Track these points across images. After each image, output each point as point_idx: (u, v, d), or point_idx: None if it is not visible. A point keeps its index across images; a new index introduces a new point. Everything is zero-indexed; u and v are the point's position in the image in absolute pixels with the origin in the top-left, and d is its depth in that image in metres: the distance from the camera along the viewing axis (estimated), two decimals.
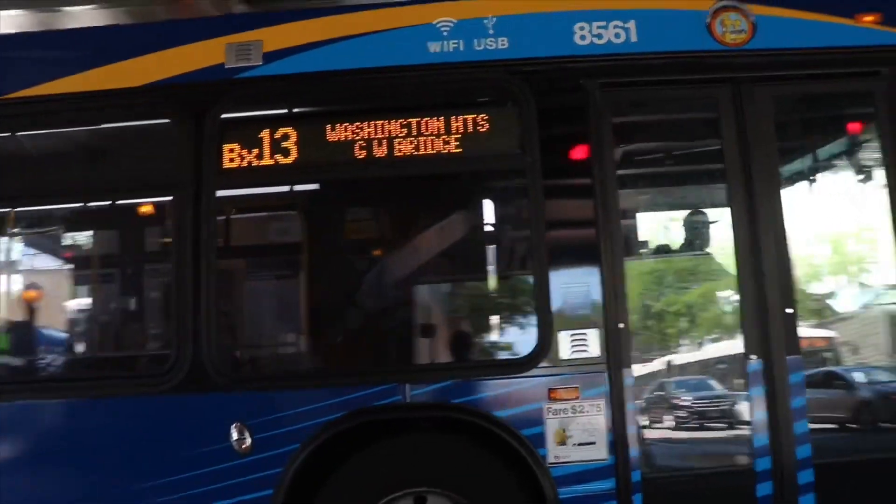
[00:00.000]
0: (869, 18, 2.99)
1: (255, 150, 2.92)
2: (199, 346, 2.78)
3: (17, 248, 3.37)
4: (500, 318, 3.23)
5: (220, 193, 2.91)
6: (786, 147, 3.22)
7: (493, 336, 3.24)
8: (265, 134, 2.92)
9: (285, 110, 3.15)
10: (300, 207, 3.36)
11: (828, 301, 3.60)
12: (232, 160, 2.93)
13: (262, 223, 3.52)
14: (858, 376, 3.24)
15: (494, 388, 2.74)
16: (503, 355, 3.18)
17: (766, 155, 2.90)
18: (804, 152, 3.44)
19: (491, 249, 3.30)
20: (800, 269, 3.04)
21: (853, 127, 3.24)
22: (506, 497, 2.75)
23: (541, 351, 2.75)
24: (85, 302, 3.52)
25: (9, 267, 3.33)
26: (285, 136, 2.91)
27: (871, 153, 3.13)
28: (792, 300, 2.85)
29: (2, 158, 3.23)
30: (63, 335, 3.50)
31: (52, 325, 3.41)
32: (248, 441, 2.74)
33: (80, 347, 3.55)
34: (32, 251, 3.45)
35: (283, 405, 2.77)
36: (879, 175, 3.03)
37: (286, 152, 2.92)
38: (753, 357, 2.80)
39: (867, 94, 2.98)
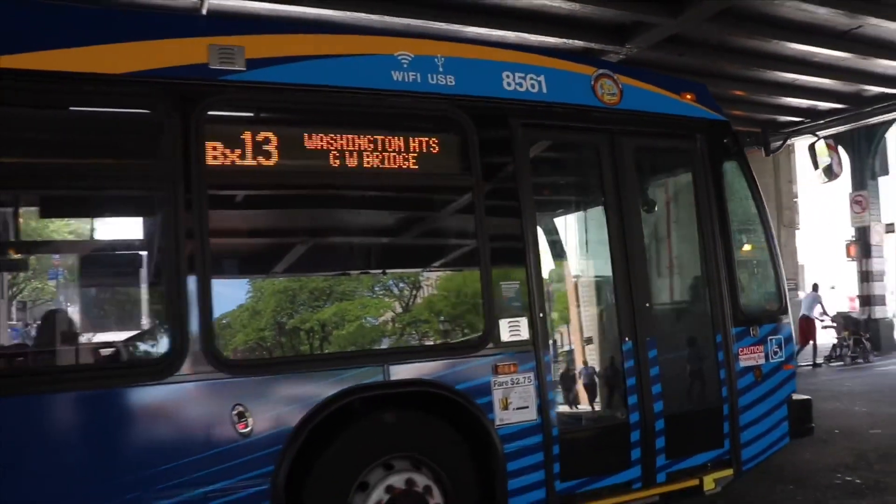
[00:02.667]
0: (689, 96, 5.10)
1: (238, 150, 3.71)
2: (202, 330, 3.46)
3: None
4: (454, 308, 4.50)
5: (206, 187, 3.58)
6: (641, 181, 5.08)
7: (450, 323, 4.49)
8: (247, 136, 3.72)
9: (266, 115, 3.96)
10: (283, 206, 4.16)
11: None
12: (215, 157, 3.66)
13: (248, 220, 4.20)
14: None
15: (455, 366, 4.01)
16: (460, 339, 4.41)
17: (629, 188, 4.73)
18: (650, 186, 5.37)
19: (440, 250, 4.56)
20: (652, 271, 4.92)
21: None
22: (457, 455, 4.01)
23: (488, 335, 4.11)
24: (89, 292, 3.77)
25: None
26: (266, 140, 3.76)
27: (689, 188, 5.18)
28: (650, 298, 4.71)
29: None
30: (68, 324, 3.81)
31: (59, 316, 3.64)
32: (250, 423, 3.53)
33: (83, 337, 3.95)
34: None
35: (280, 388, 3.62)
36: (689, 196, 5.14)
37: (267, 154, 3.75)
38: (627, 339, 4.60)
39: (689, 149, 5.05)
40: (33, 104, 3.62)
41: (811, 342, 16.37)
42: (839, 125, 17.63)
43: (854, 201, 18.75)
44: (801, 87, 15.36)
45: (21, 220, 4.23)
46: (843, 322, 17.18)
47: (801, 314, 16.33)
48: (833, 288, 17.22)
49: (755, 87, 15.18)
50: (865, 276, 19.14)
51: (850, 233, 19.50)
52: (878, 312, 18.91)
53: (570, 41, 11.72)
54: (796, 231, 20.08)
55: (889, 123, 18.43)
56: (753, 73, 14.36)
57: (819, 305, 16.52)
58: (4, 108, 3.49)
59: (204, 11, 9.58)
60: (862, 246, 18.96)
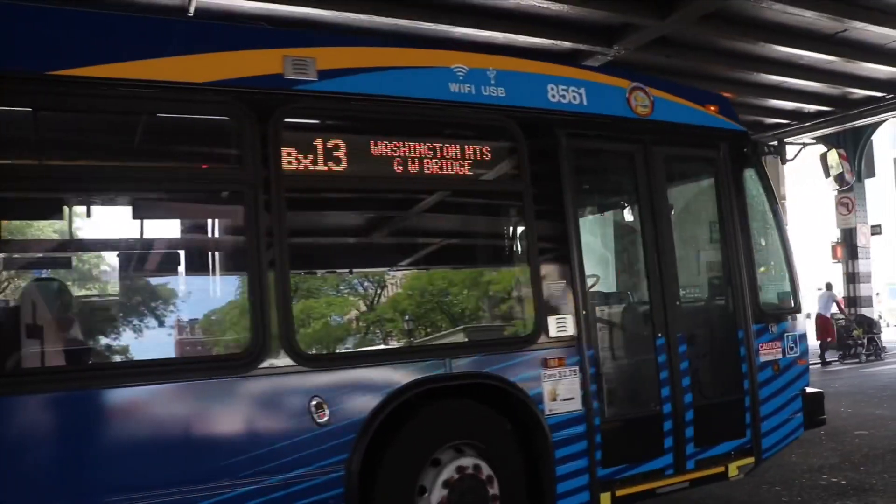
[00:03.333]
0: (712, 108, 5.69)
1: (310, 156, 4.15)
2: (281, 328, 3.89)
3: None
4: (508, 305, 5.02)
5: (283, 190, 4.01)
6: (671, 188, 5.64)
7: (504, 320, 4.99)
8: (318, 142, 4.17)
9: (334, 123, 4.41)
10: (352, 209, 4.63)
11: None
12: (290, 162, 4.09)
13: (321, 222, 4.67)
14: None
15: (509, 360, 4.51)
16: (513, 335, 4.93)
17: (660, 194, 5.30)
18: (679, 192, 5.98)
19: (490, 251, 5.06)
20: (681, 271, 5.49)
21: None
22: (508, 443, 4.51)
23: (538, 331, 4.63)
24: (180, 292, 4.21)
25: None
26: (336, 147, 4.21)
27: (712, 193, 5.77)
28: (679, 297, 5.29)
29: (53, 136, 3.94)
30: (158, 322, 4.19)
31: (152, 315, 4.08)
32: (327, 413, 3.98)
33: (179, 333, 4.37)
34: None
35: (353, 380, 4.07)
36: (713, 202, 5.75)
37: (336, 160, 4.21)
38: (659, 335, 5.15)
39: (712, 158, 5.64)
40: (127, 111, 4.04)
41: (829, 340, 17.86)
42: (825, 127, 18.55)
43: (840, 203, 19.76)
44: (787, 89, 16.21)
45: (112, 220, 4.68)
46: (858, 321, 18.47)
47: (816, 313, 17.64)
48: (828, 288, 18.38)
49: (742, 89, 15.85)
50: (851, 278, 20.22)
51: (836, 234, 20.50)
52: (865, 314, 19.74)
53: (559, 42, 12.38)
54: None
55: (875, 126, 19.48)
56: (740, 75, 15.11)
57: (834, 304, 17.83)
58: (101, 115, 3.93)
59: (191, 10, 9.89)
60: (848, 247, 20.00)
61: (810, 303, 17.83)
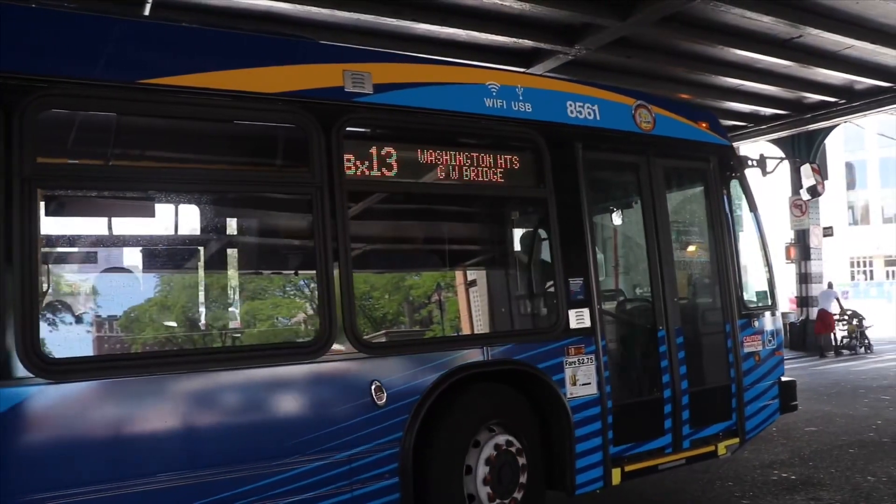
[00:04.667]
0: (704, 125, 6.84)
1: (366, 163, 5.03)
2: (345, 319, 4.75)
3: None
4: (535, 300, 6.04)
5: (346, 193, 4.85)
6: (670, 196, 6.69)
7: (532, 312, 6.01)
8: (373, 150, 5.06)
9: (387, 133, 5.30)
10: (403, 211, 5.60)
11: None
12: (349, 168, 4.94)
13: (378, 222, 5.61)
14: None
15: (537, 348, 5.50)
16: (540, 326, 5.92)
17: (660, 202, 6.39)
18: (676, 200, 7.06)
19: (518, 253, 6.13)
20: (678, 271, 6.69)
21: None
22: (532, 423, 5.52)
23: (561, 323, 5.67)
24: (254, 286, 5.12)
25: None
26: (388, 154, 5.11)
27: (703, 202, 6.95)
28: (678, 293, 6.41)
29: (134, 144, 4.72)
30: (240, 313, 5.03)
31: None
32: (385, 396, 4.91)
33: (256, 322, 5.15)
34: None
35: (407, 366, 5.00)
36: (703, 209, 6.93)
37: (389, 167, 5.10)
38: (661, 327, 6.28)
39: (704, 169, 6.80)
40: (205, 118, 4.84)
41: (832, 333, 21.29)
42: (781, 130, 20.39)
43: (794, 205, 21.57)
44: (744, 92, 17.67)
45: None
46: (850, 316, 21.56)
47: (818, 308, 21.13)
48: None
49: (700, 90, 17.28)
50: (804, 278, 22.09)
51: (789, 236, 22.29)
52: (816, 314, 21.64)
53: (520, 41, 13.40)
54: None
55: (828, 130, 21.28)
56: (699, 77, 16.44)
57: (835, 301, 20.78)
58: (183, 121, 4.75)
59: (148, 4, 10.69)
60: (801, 248, 21.82)
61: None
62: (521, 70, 13.80)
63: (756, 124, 20.60)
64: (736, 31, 13.89)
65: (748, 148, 21.26)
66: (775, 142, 21.58)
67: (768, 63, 15.59)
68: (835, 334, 21.55)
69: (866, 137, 56.55)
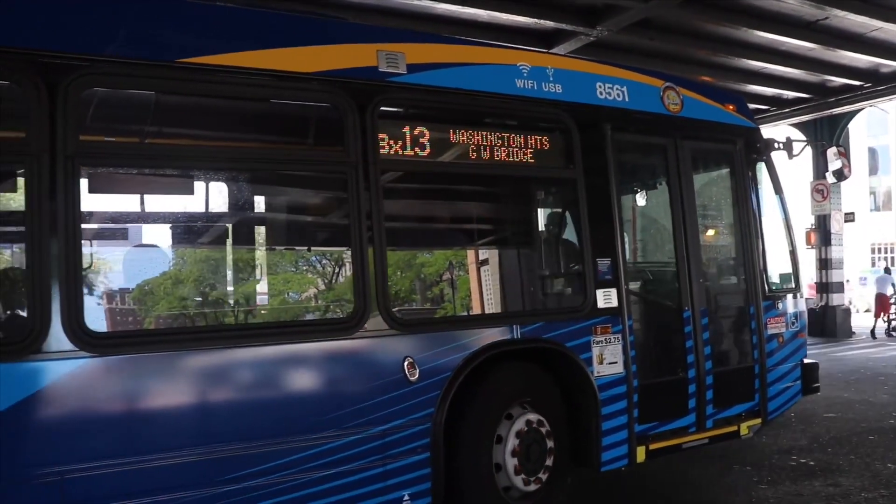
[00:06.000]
0: (731, 107, 6.96)
1: (400, 142, 5.19)
2: (378, 298, 4.94)
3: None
4: (564, 279, 6.24)
5: (380, 172, 5.02)
6: (697, 177, 6.89)
7: (560, 291, 6.19)
8: (406, 129, 5.21)
9: (420, 112, 5.47)
10: (436, 189, 5.79)
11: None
12: (383, 147, 5.11)
13: (411, 200, 5.80)
14: None
15: (565, 327, 5.68)
16: (568, 305, 6.09)
17: (687, 184, 6.57)
18: (703, 181, 7.24)
19: (547, 232, 6.32)
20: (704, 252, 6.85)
21: None
22: (556, 401, 5.72)
23: (589, 302, 5.83)
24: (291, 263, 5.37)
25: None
26: (421, 133, 5.27)
27: (729, 184, 7.15)
28: (703, 274, 6.58)
29: (172, 122, 4.96)
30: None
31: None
32: (417, 372, 5.10)
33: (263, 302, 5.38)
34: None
35: (439, 343, 5.17)
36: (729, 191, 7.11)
37: (422, 146, 5.26)
38: (686, 308, 6.44)
39: (730, 152, 6.94)
40: (245, 97, 5.03)
41: (886, 315, 23.22)
42: (803, 114, 20.36)
43: (815, 190, 21.64)
44: (767, 75, 17.67)
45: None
46: None
47: (876, 292, 23.60)
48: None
49: (723, 73, 17.20)
50: (824, 264, 22.15)
51: (809, 221, 22.28)
52: (836, 300, 21.98)
53: (542, 21, 13.39)
54: None
55: (851, 114, 21.28)
56: (721, 59, 16.44)
57: (891, 285, 22.73)
58: (221, 100, 4.95)
59: None
60: (822, 234, 21.87)
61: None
62: (545, 51, 13.91)
63: (779, 108, 20.57)
64: (760, 13, 13.93)
65: (770, 131, 21.22)
66: (798, 126, 21.60)
67: (792, 46, 15.63)
68: (888, 316, 23.31)
69: (890, 122, 56.58)
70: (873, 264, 59.62)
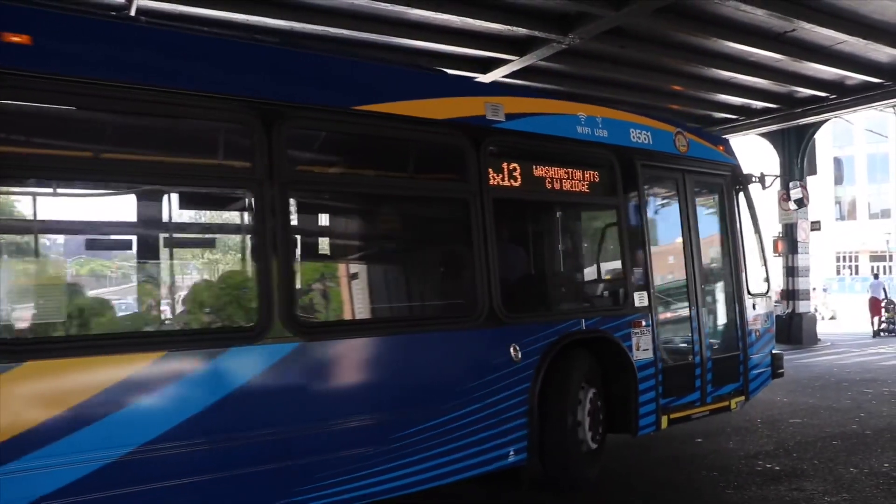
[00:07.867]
0: (721, 148, 10.92)
1: (500, 175, 8.18)
2: (492, 297, 7.92)
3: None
4: (611, 285, 9.72)
5: (491, 200, 7.90)
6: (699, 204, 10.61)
7: (609, 294, 9.65)
8: (504, 166, 8.23)
9: (514, 151, 8.40)
10: (529, 212, 9.36)
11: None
12: (491, 180, 8.04)
13: (513, 221, 9.05)
14: None
15: (613, 321, 9.10)
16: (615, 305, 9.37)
17: (692, 209, 10.34)
18: (701, 208, 10.94)
19: (600, 248, 10.01)
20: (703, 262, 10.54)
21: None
22: (598, 381, 9.05)
23: (629, 302, 9.30)
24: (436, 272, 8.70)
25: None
26: (514, 168, 8.30)
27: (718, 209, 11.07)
28: (704, 280, 10.55)
29: (349, 156, 7.95)
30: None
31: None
32: (519, 355, 8.09)
33: (415, 300, 8.71)
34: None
35: (532, 333, 8.24)
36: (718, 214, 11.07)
37: (515, 178, 8.30)
38: (693, 307, 10.10)
39: (721, 184, 10.92)
40: (393, 136, 7.59)
41: (878, 317, 33.40)
42: (771, 124, 24.31)
43: (782, 199, 25.85)
44: (736, 85, 20.96)
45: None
46: (889, 304, 33.69)
47: (870, 296, 34.28)
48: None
49: (693, 82, 20.48)
50: (791, 272, 26.57)
51: (777, 229, 26.61)
52: (802, 307, 26.35)
53: (514, 28, 15.81)
54: None
55: (818, 125, 25.36)
56: (692, 69, 19.49)
57: (882, 290, 34.05)
58: (381, 140, 7.61)
59: (133, 11, 13.30)
60: (789, 242, 26.29)
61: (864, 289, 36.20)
62: (516, 59, 17.23)
63: (747, 117, 24.25)
64: (730, 24, 16.53)
65: (738, 141, 24.78)
66: (766, 135, 25.56)
67: (761, 56, 18.63)
68: (880, 318, 33.28)
69: (855, 133, 63.62)
70: (838, 272, 66.57)
